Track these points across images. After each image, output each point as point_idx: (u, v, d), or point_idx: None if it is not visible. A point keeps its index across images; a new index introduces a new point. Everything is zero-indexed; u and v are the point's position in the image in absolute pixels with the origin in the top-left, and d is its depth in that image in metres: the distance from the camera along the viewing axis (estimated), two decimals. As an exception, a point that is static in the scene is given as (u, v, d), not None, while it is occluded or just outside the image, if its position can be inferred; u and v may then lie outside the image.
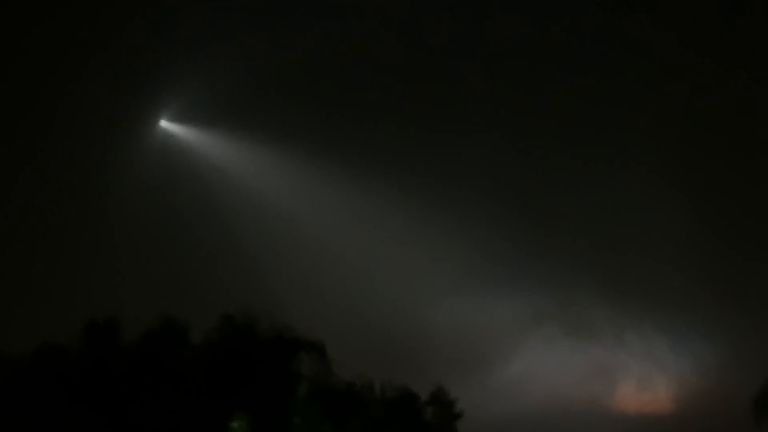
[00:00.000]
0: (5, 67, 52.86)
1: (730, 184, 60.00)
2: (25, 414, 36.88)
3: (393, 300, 56.51)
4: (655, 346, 59.34)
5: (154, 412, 36.96)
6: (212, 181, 56.13)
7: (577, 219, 60.71)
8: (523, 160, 60.62)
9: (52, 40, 53.30)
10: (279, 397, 36.96)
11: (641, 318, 59.36)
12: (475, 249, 58.86)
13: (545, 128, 60.37)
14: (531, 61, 59.68)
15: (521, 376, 57.85)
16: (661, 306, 59.06)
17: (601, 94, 59.74)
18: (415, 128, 59.70)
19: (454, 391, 43.04)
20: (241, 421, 35.04)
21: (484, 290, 58.70)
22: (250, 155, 56.46)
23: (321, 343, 40.64)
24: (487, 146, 59.29)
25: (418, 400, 41.00)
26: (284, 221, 56.40)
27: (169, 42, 53.59)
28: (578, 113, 60.17)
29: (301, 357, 40.11)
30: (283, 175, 56.70)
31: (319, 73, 58.03)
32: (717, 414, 52.11)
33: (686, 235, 58.67)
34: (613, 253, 60.61)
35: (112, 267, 52.98)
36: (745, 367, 54.35)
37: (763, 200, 58.56)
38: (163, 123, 55.74)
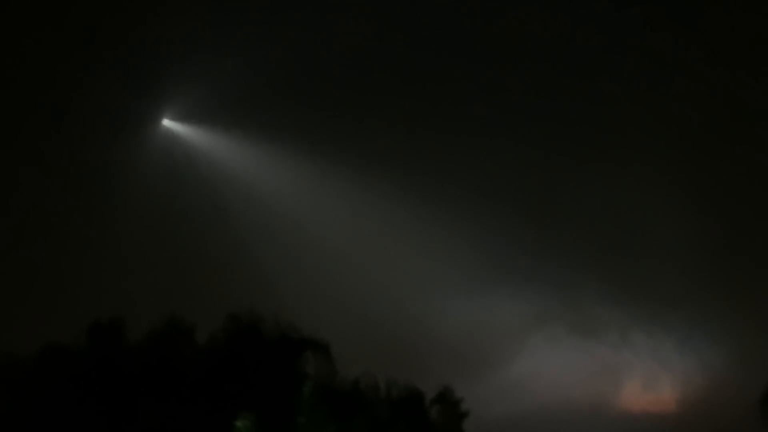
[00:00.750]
0: (10, 68, 52.92)
1: (736, 184, 59.88)
2: (31, 414, 36.87)
3: (397, 300, 56.47)
4: (661, 346, 59.27)
5: (160, 412, 36.99)
6: (215, 180, 56.09)
7: (582, 219, 60.66)
8: (528, 161, 60.57)
9: (56, 40, 53.36)
10: (284, 397, 36.99)
11: (646, 318, 59.32)
12: (480, 249, 58.82)
13: (550, 129, 60.37)
14: (536, 60, 59.61)
15: (526, 375, 57.79)
16: (667, 306, 58.97)
17: (605, 95, 59.68)
18: (420, 128, 59.68)
19: (458, 391, 43.08)
20: (246, 420, 35.01)
21: (489, 290, 58.64)
22: (254, 154, 56.42)
23: (326, 342, 40.69)
24: (491, 147, 59.30)
25: (424, 399, 40.97)
26: (288, 220, 56.33)
27: (171, 41, 53.59)
28: (583, 114, 60.13)
29: (306, 357, 40.15)
30: (287, 174, 56.67)
31: (322, 72, 58.02)
32: (722, 414, 52.01)
33: (691, 235, 58.58)
34: (618, 252, 60.57)
35: (116, 267, 53.01)
36: (751, 367, 54.27)
37: (769, 200, 58.62)
38: (166, 122, 55.72)
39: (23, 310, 49.05)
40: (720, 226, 59.10)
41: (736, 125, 59.41)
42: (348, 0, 56.88)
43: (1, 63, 52.42)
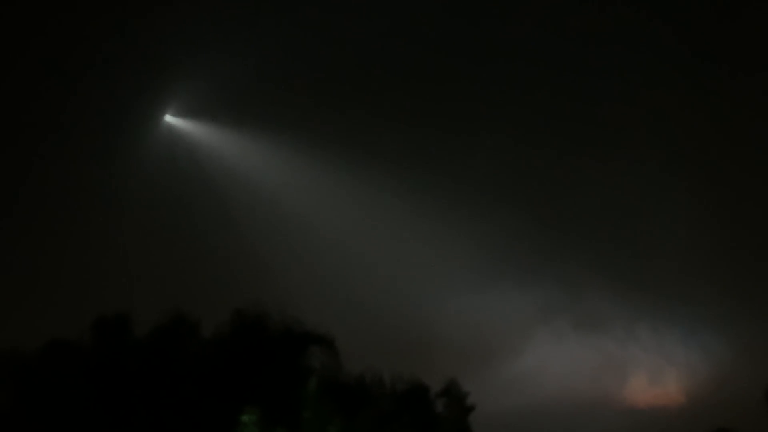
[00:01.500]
0: (13, 64, 52.96)
1: (741, 180, 59.92)
2: (37, 409, 36.90)
3: (402, 295, 56.52)
4: (666, 340, 59.28)
5: (166, 407, 36.98)
6: (218, 175, 56.12)
7: (587, 215, 60.72)
8: (533, 159, 60.68)
9: (58, 36, 53.40)
10: (289, 391, 36.95)
11: (652, 312, 59.31)
12: (485, 245, 58.87)
13: (556, 127, 60.46)
14: (543, 59, 59.72)
15: (531, 370, 57.82)
16: (672, 300, 58.98)
17: (610, 93, 59.88)
18: (425, 126, 59.80)
19: (464, 385, 42.94)
20: (252, 414, 34.97)
21: (494, 285, 58.67)
22: (256, 149, 56.44)
23: (331, 337, 40.63)
24: (497, 145, 59.37)
25: (429, 393, 40.91)
26: (292, 215, 56.38)
27: (174, 38, 53.70)
28: (586, 112, 60.19)
29: (312, 351, 40.09)
30: (290, 169, 56.68)
31: (325, 68, 58.09)
32: (728, 407, 51.92)
33: (697, 231, 58.61)
34: (623, 247, 60.58)
35: (121, 262, 53.07)
36: (756, 360, 54.34)
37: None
38: (168, 118, 55.76)
39: (29, 305, 49.19)
40: (725, 221, 59.15)
41: (740, 122, 59.47)
42: (354, -2, 57.07)
43: (5, 59, 52.53)
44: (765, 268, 57.35)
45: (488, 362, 56.43)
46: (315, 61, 57.48)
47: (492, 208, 59.32)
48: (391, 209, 57.72)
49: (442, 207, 58.37)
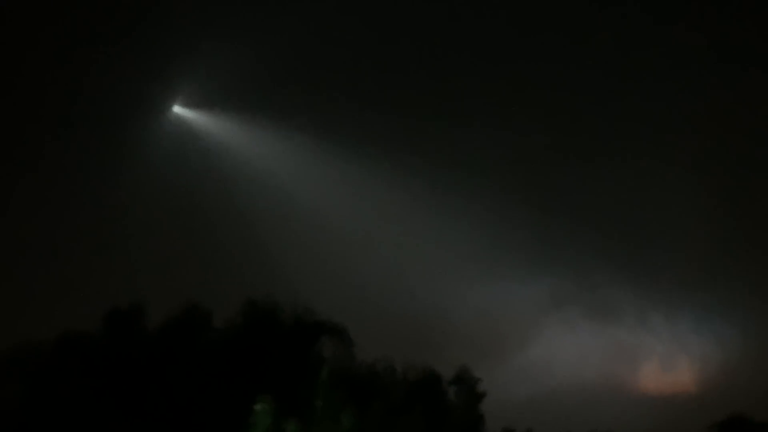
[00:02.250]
0: (22, 56, 53.00)
1: (753, 170, 59.90)
2: (50, 400, 37.06)
3: (413, 285, 56.56)
4: (678, 328, 59.24)
5: (178, 398, 37.10)
6: (227, 167, 56.01)
7: (598, 204, 60.67)
8: (542, 150, 60.58)
9: (67, 28, 53.35)
10: (301, 381, 37.03)
11: (664, 300, 59.32)
12: (496, 235, 58.84)
13: (564, 119, 60.37)
14: (548, 50, 59.67)
15: (542, 358, 57.83)
16: (684, 287, 58.94)
17: (618, 84, 59.83)
18: (437, 117, 59.65)
19: (475, 375, 42.98)
20: (265, 404, 35.06)
21: (504, 275, 58.68)
22: (265, 140, 56.34)
23: (342, 327, 40.72)
24: (507, 137, 59.31)
25: (442, 382, 40.96)
26: (302, 206, 56.35)
27: (181, 28, 53.61)
28: (595, 104, 60.19)
29: (323, 341, 40.18)
30: (300, 160, 56.61)
31: (333, 59, 57.95)
32: (740, 394, 51.92)
33: (708, 218, 58.50)
34: (634, 236, 60.54)
35: (131, 254, 53.20)
36: (768, 347, 54.27)
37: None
38: (176, 109, 55.63)
39: (42, 299, 49.35)
40: (738, 210, 59.04)
41: (751, 114, 59.39)
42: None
43: (13, 51, 52.58)
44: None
45: (499, 351, 56.52)
46: (324, 51, 57.44)
47: (503, 199, 59.35)
48: (401, 201, 57.68)
49: (453, 198, 58.36)
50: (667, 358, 59.41)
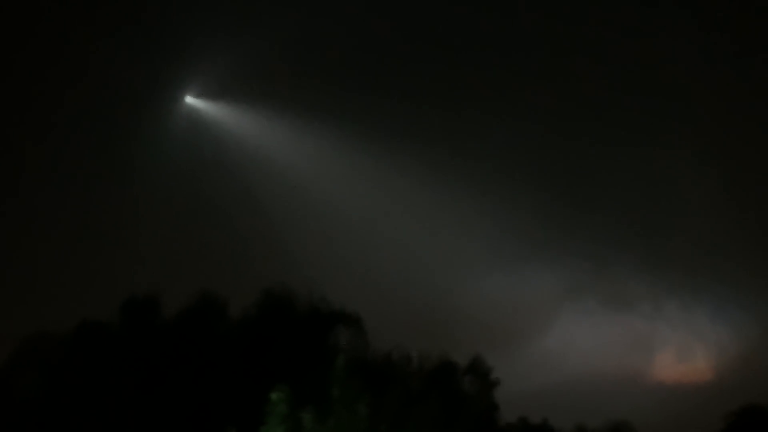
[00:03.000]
0: (32, 45, 53.08)
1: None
2: (68, 390, 37.26)
3: (428, 274, 56.61)
4: (694, 317, 59.07)
5: (195, 386, 37.26)
6: (240, 157, 56.05)
7: (613, 193, 60.61)
8: (559, 139, 60.47)
9: (78, 18, 53.40)
10: (317, 370, 37.07)
11: (680, 288, 59.14)
12: (512, 224, 58.79)
13: (578, 107, 60.21)
14: (565, 43, 59.47)
15: (558, 348, 57.84)
16: (700, 276, 58.78)
17: (634, 73, 59.62)
18: (453, 105, 59.59)
19: (491, 364, 42.91)
20: (281, 393, 35.15)
21: (520, 264, 58.70)
22: (279, 130, 56.30)
23: (358, 316, 40.77)
24: (523, 126, 59.18)
25: (457, 370, 40.96)
26: (317, 195, 56.40)
27: (193, 18, 53.59)
28: (611, 93, 59.96)
29: (339, 330, 40.26)
30: (312, 150, 56.57)
31: (348, 51, 57.88)
32: (756, 383, 51.77)
33: (725, 208, 58.32)
34: (649, 225, 60.45)
35: (147, 244, 53.38)
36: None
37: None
38: (189, 99, 55.63)
39: (58, 288, 49.61)
40: (755, 200, 58.81)
41: (765, 103, 59.12)
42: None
43: (24, 42, 52.68)
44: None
45: (515, 341, 56.49)
46: (336, 41, 57.37)
47: (518, 187, 59.27)
48: (416, 190, 57.66)
49: (468, 187, 58.33)
50: (683, 347, 59.34)
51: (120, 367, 37.57)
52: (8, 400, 37.35)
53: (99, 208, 53.77)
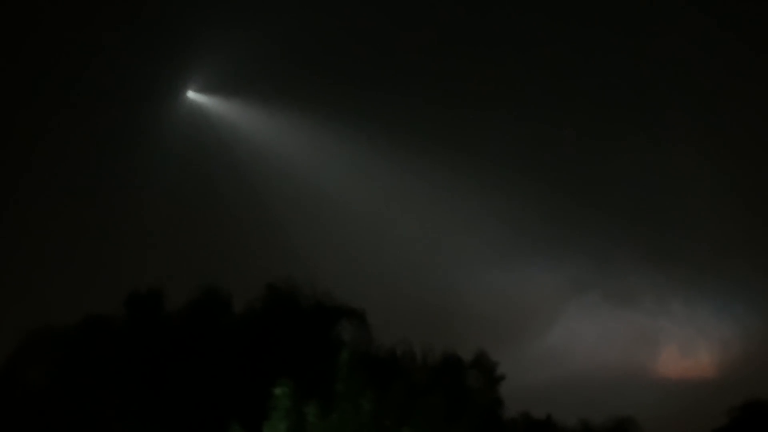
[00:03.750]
0: (32, 38, 52.95)
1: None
2: (72, 384, 37.28)
3: (432, 269, 56.63)
4: (699, 312, 59.07)
5: (198, 381, 37.25)
6: (243, 151, 55.94)
7: (616, 187, 60.56)
8: (559, 132, 60.40)
9: (77, 12, 53.25)
10: (321, 364, 37.00)
11: (684, 283, 59.14)
12: (513, 219, 58.79)
13: (580, 102, 60.14)
14: (565, 36, 59.36)
15: (561, 344, 57.87)
16: (705, 273, 58.76)
17: (638, 70, 59.50)
18: (452, 100, 59.50)
19: (494, 359, 42.91)
20: (285, 387, 35.09)
21: (523, 259, 58.70)
22: (281, 125, 56.21)
23: (362, 310, 40.77)
24: (523, 119, 59.11)
25: (462, 365, 40.94)
26: (320, 190, 56.34)
27: (194, 12, 53.47)
28: (615, 90, 59.96)
29: (343, 324, 40.26)
30: (316, 145, 56.47)
31: (350, 44, 57.79)
32: (761, 378, 51.76)
33: (731, 204, 58.26)
34: (653, 219, 60.38)
35: (150, 239, 53.36)
36: (790, 332, 54.02)
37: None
38: (191, 94, 55.43)
39: (62, 282, 49.66)
40: (759, 195, 58.71)
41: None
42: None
43: (23, 35, 52.58)
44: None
45: (518, 336, 56.52)
46: (341, 36, 57.29)
47: (523, 183, 59.21)
48: (419, 184, 57.69)
49: (471, 182, 58.28)
50: (686, 342, 59.35)
51: (124, 361, 37.58)
52: (13, 393, 37.44)
53: (103, 203, 53.77)
